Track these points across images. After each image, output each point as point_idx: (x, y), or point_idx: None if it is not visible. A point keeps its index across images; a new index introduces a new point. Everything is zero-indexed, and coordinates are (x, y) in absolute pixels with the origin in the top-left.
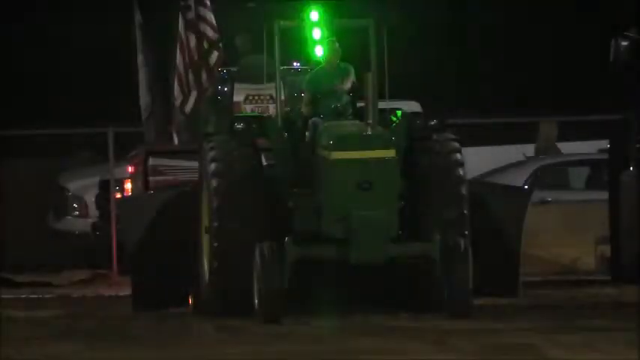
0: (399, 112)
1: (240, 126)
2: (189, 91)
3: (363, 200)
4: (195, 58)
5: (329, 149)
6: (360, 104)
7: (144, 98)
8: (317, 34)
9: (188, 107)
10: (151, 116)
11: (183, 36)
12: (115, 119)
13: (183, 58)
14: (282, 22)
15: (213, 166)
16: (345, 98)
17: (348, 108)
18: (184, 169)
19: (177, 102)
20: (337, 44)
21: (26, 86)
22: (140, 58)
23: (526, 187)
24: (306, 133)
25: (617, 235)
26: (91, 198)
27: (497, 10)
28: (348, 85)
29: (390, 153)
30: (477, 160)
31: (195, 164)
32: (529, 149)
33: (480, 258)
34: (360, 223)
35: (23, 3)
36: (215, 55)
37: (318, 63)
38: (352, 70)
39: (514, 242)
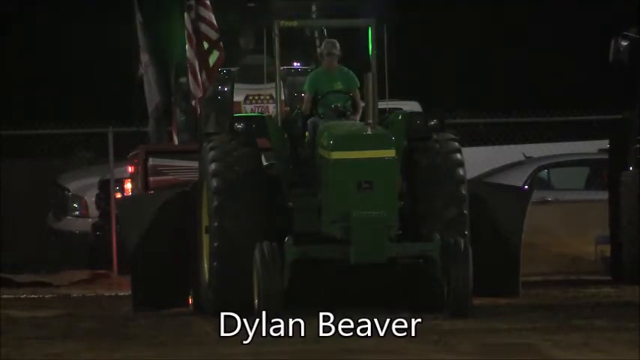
0: (399, 113)
1: (240, 126)
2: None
3: (363, 200)
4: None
5: (329, 149)
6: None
7: (154, 98)
8: (317, 34)
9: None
10: (159, 115)
11: (192, 34)
12: (115, 119)
13: (195, 56)
14: (282, 22)
15: (213, 166)
16: (345, 98)
17: (348, 108)
18: (184, 169)
19: (195, 100)
20: (338, 46)
21: (26, 86)
22: (146, 57)
23: (526, 187)
24: (306, 133)
25: (617, 235)
26: (91, 198)
27: (497, 9)
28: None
29: (390, 153)
30: (477, 160)
31: (195, 164)
32: (529, 149)
33: (480, 258)
34: (360, 223)
35: (23, 3)
36: (215, 55)
37: (317, 63)
38: (356, 80)
39: (514, 242)
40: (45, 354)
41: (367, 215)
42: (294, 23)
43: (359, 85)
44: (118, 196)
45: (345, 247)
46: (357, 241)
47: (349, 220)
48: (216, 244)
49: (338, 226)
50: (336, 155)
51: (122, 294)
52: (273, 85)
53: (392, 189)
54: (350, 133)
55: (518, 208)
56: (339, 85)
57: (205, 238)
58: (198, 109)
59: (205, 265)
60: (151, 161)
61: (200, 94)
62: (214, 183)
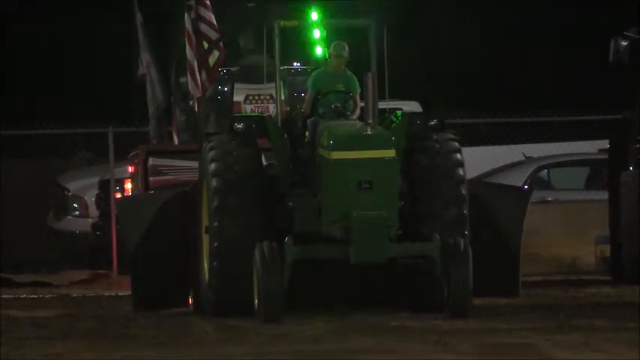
0: (399, 113)
1: (240, 126)
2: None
3: (363, 200)
4: (197, 57)
5: (329, 149)
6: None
7: (156, 97)
8: (317, 34)
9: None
10: (161, 115)
11: (191, 34)
12: (115, 119)
13: (195, 56)
14: (282, 22)
15: (213, 165)
16: (345, 99)
17: (348, 108)
18: (184, 169)
19: (194, 99)
20: (347, 49)
21: (26, 86)
22: (147, 57)
23: (526, 187)
24: (306, 133)
25: (617, 235)
26: (91, 198)
27: (497, 9)
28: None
29: (390, 153)
30: (477, 160)
31: (195, 164)
32: (529, 149)
33: (480, 258)
34: (360, 223)
35: (23, 3)
36: (215, 55)
37: (317, 63)
38: (357, 85)
39: (514, 242)
40: (45, 354)
41: (367, 215)
42: (295, 23)
43: (360, 91)
44: (118, 196)
45: (345, 247)
46: (357, 241)
47: (349, 220)
48: (216, 244)
49: (338, 226)
50: (336, 155)
51: (122, 294)
52: (273, 85)
53: (392, 189)
54: (350, 133)
55: (518, 208)
56: (340, 87)
57: (205, 238)
58: (197, 109)
59: (205, 265)
60: (151, 161)
61: (199, 94)
62: (214, 183)
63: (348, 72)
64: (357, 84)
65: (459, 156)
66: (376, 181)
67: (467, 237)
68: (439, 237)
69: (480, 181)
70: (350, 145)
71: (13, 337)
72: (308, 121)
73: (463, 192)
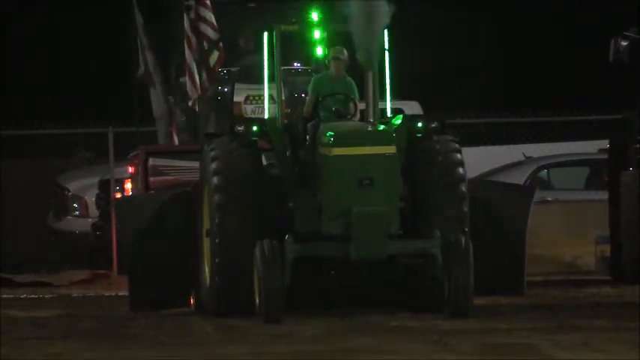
0: (399, 116)
1: (240, 128)
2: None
3: (363, 196)
4: (196, 58)
5: (329, 146)
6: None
7: (164, 97)
8: (317, 35)
9: (197, 106)
10: (166, 115)
11: (190, 35)
12: (115, 119)
13: (193, 57)
14: (282, 27)
15: (214, 164)
16: (346, 101)
17: (349, 111)
18: (184, 169)
19: (191, 101)
20: (345, 52)
21: (26, 86)
22: (151, 57)
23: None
24: (307, 137)
25: (617, 235)
26: (91, 198)
27: (497, 9)
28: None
29: (391, 149)
30: (477, 160)
31: (195, 164)
32: (529, 149)
33: (485, 257)
34: (360, 219)
35: (23, 3)
36: (215, 55)
37: (318, 64)
38: (356, 90)
39: (519, 241)
40: (45, 354)
41: (367, 211)
42: (295, 28)
43: (358, 98)
44: (118, 196)
45: (346, 244)
46: (357, 237)
47: (349, 216)
48: (217, 241)
49: (338, 222)
50: (337, 151)
51: (122, 294)
52: (273, 85)
53: (392, 185)
54: (350, 130)
55: (522, 206)
56: (340, 91)
57: (206, 241)
58: (197, 109)
59: (206, 268)
60: (151, 161)
61: (196, 95)
62: (215, 181)
63: (348, 78)
64: (356, 91)
65: (458, 155)
66: (377, 178)
67: (467, 234)
68: (439, 234)
69: (484, 181)
70: (350, 141)
71: (13, 337)
72: (309, 125)
73: (463, 190)
